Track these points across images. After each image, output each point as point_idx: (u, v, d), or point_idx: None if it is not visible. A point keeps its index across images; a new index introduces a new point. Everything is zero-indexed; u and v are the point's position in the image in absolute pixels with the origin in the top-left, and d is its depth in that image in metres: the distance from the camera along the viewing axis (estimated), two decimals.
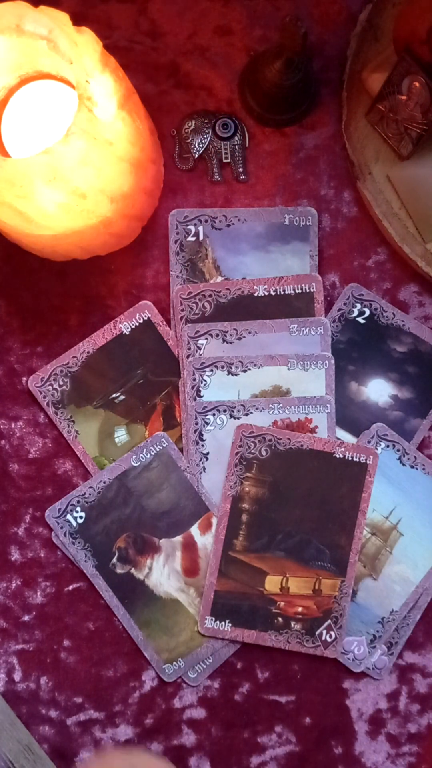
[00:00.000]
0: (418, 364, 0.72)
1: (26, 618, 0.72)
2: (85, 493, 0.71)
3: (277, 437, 0.70)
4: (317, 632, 0.70)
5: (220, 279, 0.73)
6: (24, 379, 0.73)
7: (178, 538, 0.71)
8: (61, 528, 0.71)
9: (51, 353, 0.73)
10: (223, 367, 0.71)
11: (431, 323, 0.73)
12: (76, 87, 0.56)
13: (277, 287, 0.72)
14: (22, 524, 0.72)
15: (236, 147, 0.73)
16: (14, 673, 0.71)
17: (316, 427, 0.71)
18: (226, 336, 0.72)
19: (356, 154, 0.71)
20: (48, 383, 0.72)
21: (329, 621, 0.70)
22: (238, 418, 0.71)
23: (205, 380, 0.71)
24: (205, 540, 0.71)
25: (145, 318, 0.72)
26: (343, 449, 0.71)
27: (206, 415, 0.71)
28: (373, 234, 0.74)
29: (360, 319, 0.73)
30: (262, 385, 0.72)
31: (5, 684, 0.71)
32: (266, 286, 0.72)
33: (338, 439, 0.72)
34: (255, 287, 0.72)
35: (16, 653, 0.71)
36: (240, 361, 0.71)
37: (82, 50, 0.56)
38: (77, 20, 0.59)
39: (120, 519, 0.71)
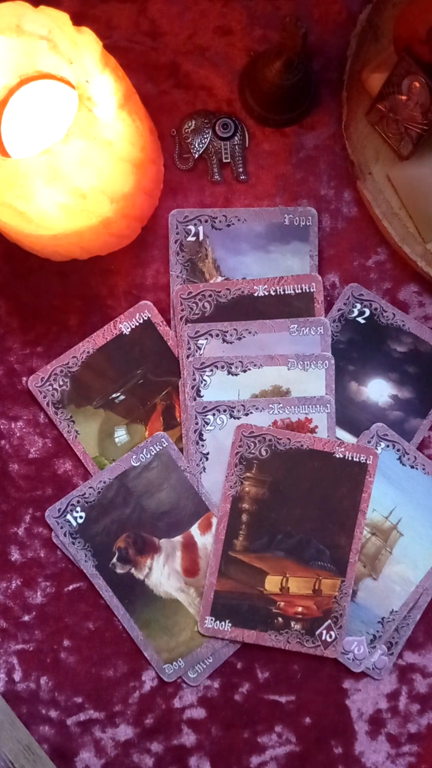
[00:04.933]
0: (418, 364, 0.72)
1: (26, 618, 0.72)
2: (85, 493, 0.71)
3: (277, 437, 0.70)
4: (317, 632, 0.70)
5: (220, 279, 0.73)
6: (24, 379, 0.73)
7: (178, 538, 0.71)
8: (61, 528, 0.71)
9: (51, 353, 0.73)
10: (223, 367, 0.71)
11: (431, 323, 0.73)
12: (76, 87, 0.56)
13: (277, 287, 0.72)
14: (22, 524, 0.72)
15: (236, 147, 0.73)
16: (14, 673, 0.71)
17: (316, 427, 0.71)
18: (226, 336, 0.72)
19: (356, 154, 0.71)
20: (48, 383, 0.72)
21: (329, 621, 0.70)
22: (238, 418, 0.71)
23: (205, 380, 0.71)
24: (205, 540, 0.71)
25: (145, 318, 0.72)
26: (343, 449, 0.71)
27: (206, 415, 0.71)
28: (373, 234, 0.74)
29: (360, 319, 0.73)
30: (262, 385, 0.72)
31: (5, 684, 0.71)
32: (266, 286, 0.72)
33: (338, 439, 0.72)
34: (255, 287, 0.72)
35: (16, 653, 0.71)
36: (240, 361, 0.71)
37: (82, 50, 0.56)
38: (77, 20, 0.59)
39: (120, 519, 0.71)
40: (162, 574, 0.71)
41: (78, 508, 0.71)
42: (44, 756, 0.70)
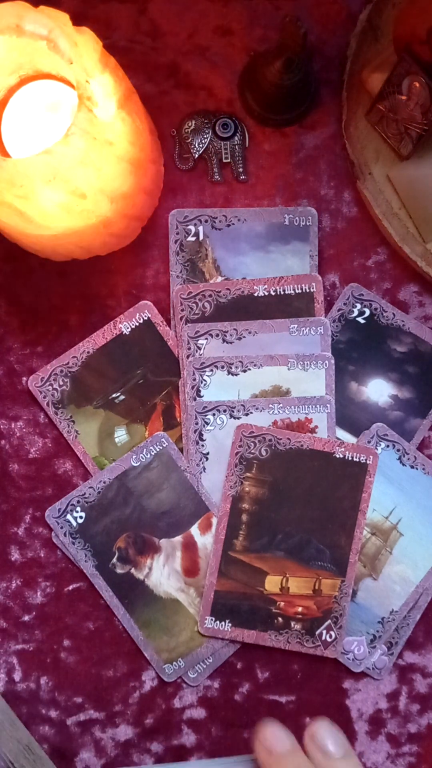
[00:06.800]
0: (418, 364, 0.72)
1: (26, 618, 0.72)
2: (85, 493, 0.71)
3: (277, 437, 0.70)
4: (317, 632, 0.70)
5: (220, 279, 0.73)
6: (24, 379, 0.73)
7: (178, 538, 0.71)
8: (61, 528, 0.71)
9: (51, 353, 0.73)
10: (223, 367, 0.71)
11: (431, 323, 0.73)
12: (76, 87, 0.56)
13: (277, 287, 0.72)
14: (22, 524, 0.72)
15: (236, 147, 0.73)
16: (14, 673, 0.71)
17: (316, 427, 0.71)
18: (226, 336, 0.72)
19: (356, 154, 0.71)
20: (48, 383, 0.72)
21: (329, 621, 0.70)
22: (238, 418, 0.71)
23: (205, 380, 0.71)
24: (205, 540, 0.71)
25: (145, 318, 0.72)
26: (343, 449, 0.71)
27: (206, 415, 0.71)
28: (373, 234, 0.74)
29: (360, 319, 0.73)
30: (262, 385, 0.72)
31: (5, 684, 0.71)
32: (266, 286, 0.72)
33: (338, 439, 0.72)
34: (255, 287, 0.72)
35: (16, 653, 0.71)
36: (240, 361, 0.71)
37: (82, 50, 0.56)
38: (77, 20, 0.59)
39: (120, 519, 0.71)
40: (162, 574, 0.71)
41: (78, 508, 0.71)
42: (44, 756, 0.70)
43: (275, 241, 0.73)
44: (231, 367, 0.72)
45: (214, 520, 0.71)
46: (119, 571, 0.71)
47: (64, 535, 0.71)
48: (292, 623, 0.70)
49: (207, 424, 0.71)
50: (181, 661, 0.70)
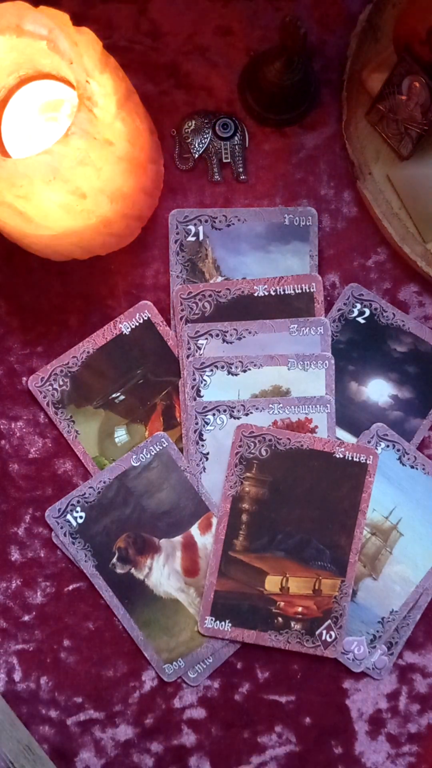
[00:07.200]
0: (418, 364, 0.72)
1: (26, 618, 0.72)
2: (85, 493, 0.71)
3: (277, 437, 0.70)
4: (317, 632, 0.70)
5: (220, 279, 0.73)
6: (24, 379, 0.73)
7: (178, 538, 0.71)
8: (61, 528, 0.71)
9: (51, 353, 0.73)
10: (223, 367, 0.71)
11: (431, 323, 0.73)
12: (76, 87, 0.56)
13: (277, 287, 0.72)
14: (22, 524, 0.72)
15: (236, 147, 0.73)
16: (14, 673, 0.71)
17: (316, 427, 0.71)
18: (226, 336, 0.72)
19: (356, 154, 0.71)
20: (48, 383, 0.72)
21: (329, 621, 0.70)
22: (238, 418, 0.71)
23: (205, 380, 0.71)
24: (205, 540, 0.71)
25: (145, 318, 0.72)
26: (343, 449, 0.71)
27: (206, 415, 0.71)
28: (373, 234, 0.74)
29: (360, 319, 0.73)
30: (262, 385, 0.72)
31: (5, 684, 0.71)
32: (266, 286, 0.72)
33: (338, 439, 0.72)
34: (255, 287, 0.72)
35: (16, 653, 0.71)
36: (240, 361, 0.71)
37: (82, 50, 0.56)
38: (77, 20, 0.59)
39: (120, 519, 0.71)
40: (162, 574, 0.71)
41: (78, 508, 0.71)
42: (44, 756, 0.70)
43: (275, 241, 0.73)
44: (231, 367, 0.72)
45: (214, 520, 0.71)
46: (119, 571, 0.71)
47: (64, 535, 0.71)
48: (292, 623, 0.70)
49: (207, 424, 0.71)
50: (181, 661, 0.70)
